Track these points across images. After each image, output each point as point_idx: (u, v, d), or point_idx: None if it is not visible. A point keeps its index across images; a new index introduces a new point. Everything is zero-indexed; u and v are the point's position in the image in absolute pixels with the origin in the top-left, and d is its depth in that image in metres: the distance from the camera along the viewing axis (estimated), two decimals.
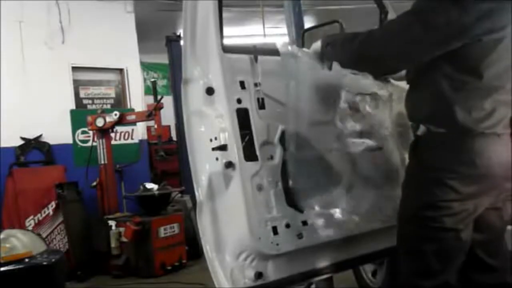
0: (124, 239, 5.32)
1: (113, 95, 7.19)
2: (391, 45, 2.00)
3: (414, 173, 2.09)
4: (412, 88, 2.13)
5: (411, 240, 2.05)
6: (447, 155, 1.96)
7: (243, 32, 8.63)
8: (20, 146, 6.01)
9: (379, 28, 2.15)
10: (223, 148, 2.23)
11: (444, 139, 1.98)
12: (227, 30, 2.38)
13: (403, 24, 1.99)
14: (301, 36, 3.17)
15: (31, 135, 6.08)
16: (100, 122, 5.65)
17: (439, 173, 1.95)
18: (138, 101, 7.18)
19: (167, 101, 6.31)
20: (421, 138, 2.07)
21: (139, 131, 6.94)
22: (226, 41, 2.37)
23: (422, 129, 2.06)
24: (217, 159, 2.26)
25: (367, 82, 2.68)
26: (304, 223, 2.41)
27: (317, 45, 2.36)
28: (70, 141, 6.35)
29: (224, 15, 2.37)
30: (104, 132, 5.77)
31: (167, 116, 6.68)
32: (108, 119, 5.65)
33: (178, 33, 7.47)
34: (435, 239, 1.97)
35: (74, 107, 6.56)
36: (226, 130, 2.24)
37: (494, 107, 1.94)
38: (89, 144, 6.10)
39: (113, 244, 5.35)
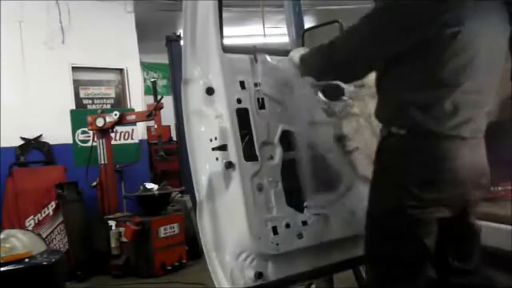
0: (124, 239, 5.31)
1: (113, 95, 7.19)
2: (353, 48, 1.99)
3: (377, 176, 2.03)
4: (378, 88, 2.10)
5: (376, 245, 2.02)
6: (407, 158, 1.91)
7: (243, 32, 8.62)
8: (20, 146, 6.01)
9: (339, 37, 2.17)
10: (223, 148, 2.23)
11: (405, 141, 1.92)
12: (227, 30, 2.39)
13: (363, 26, 1.98)
14: (301, 36, 3.16)
15: (31, 135, 6.08)
16: (100, 122, 5.65)
17: (400, 177, 1.90)
18: (138, 101, 7.18)
19: (167, 101, 6.30)
20: (384, 140, 2.02)
21: (139, 131, 6.94)
22: (226, 41, 2.37)
23: (384, 130, 2.01)
24: (217, 159, 2.26)
25: None
26: (304, 223, 2.41)
27: (296, 57, 2.37)
28: (70, 141, 6.34)
29: (224, 15, 2.37)
30: (104, 132, 5.77)
31: (167, 116, 6.68)
32: (108, 119, 5.65)
33: (178, 33, 7.47)
34: (396, 246, 1.93)
35: (74, 107, 6.56)
36: (226, 130, 2.24)
37: (456, 107, 1.86)
38: (89, 144, 6.10)
39: (113, 244, 5.34)
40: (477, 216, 2.14)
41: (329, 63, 2.11)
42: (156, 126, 5.49)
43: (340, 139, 2.61)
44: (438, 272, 2.10)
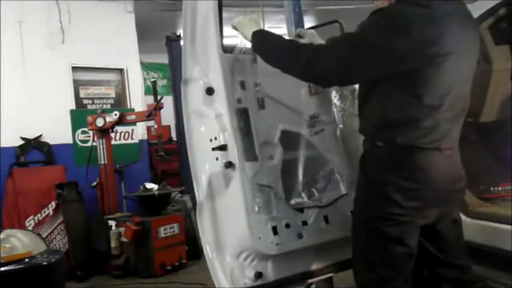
0: (124, 239, 5.31)
1: (113, 95, 7.18)
2: (335, 66, 2.00)
3: (362, 186, 2.13)
4: (361, 103, 2.18)
5: (362, 250, 2.10)
6: (389, 169, 2.00)
7: None
8: (20, 146, 6.00)
9: (325, 46, 2.14)
10: (223, 148, 2.23)
11: (387, 154, 2.02)
12: (227, 30, 2.38)
13: (347, 47, 2.01)
14: None
15: (31, 135, 6.07)
16: (100, 122, 5.65)
17: (383, 186, 1.99)
18: (138, 101, 7.17)
19: (167, 101, 6.30)
20: (367, 152, 2.12)
21: (139, 131, 6.94)
22: (226, 41, 2.37)
23: (368, 143, 2.11)
24: (217, 159, 2.26)
25: None
26: (304, 223, 2.41)
27: (243, 29, 2.29)
28: (70, 141, 6.34)
29: (224, 15, 2.37)
30: (104, 132, 5.77)
31: (167, 116, 6.68)
32: (108, 119, 5.65)
33: (178, 33, 7.46)
34: (382, 248, 2.01)
35: (74, 107, 6.55)
36: (226, 130, 2.24)
37: (436, 124, 1.98)
38: (89, 144, 6.10)
39: (113, 244, 5.34)
40: (476, 216, 2.18)
41: (310, 71, 2.07)
42: (156, 126, 5.49)
43: (312, 118, 2.61)
44: (427, 269, 2.18)
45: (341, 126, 2.67)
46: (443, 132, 2.01)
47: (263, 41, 2.24)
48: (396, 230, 1.98)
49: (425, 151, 1.98)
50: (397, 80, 1.96)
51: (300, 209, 2.42)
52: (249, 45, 2.29)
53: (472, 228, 2.29)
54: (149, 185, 5.70)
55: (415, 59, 1.91)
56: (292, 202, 2.43)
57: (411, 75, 1.93)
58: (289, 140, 2.50)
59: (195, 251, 5.48)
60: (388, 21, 1.93)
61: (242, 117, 2.31)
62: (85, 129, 6.11)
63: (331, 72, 2.03)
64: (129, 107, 7.02)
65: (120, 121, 5.71)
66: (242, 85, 2.37)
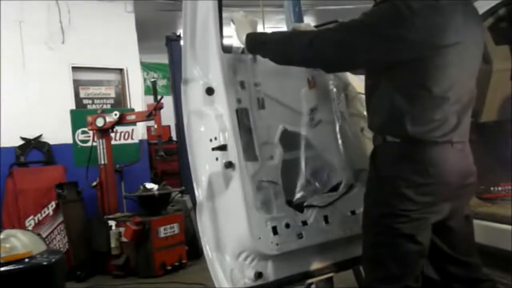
0: (124, 239, 5.32)
1: (113, 95, 7.19)
2: (337, 49, 2.01)
3: (373, 182, 2.11)
4: (369, 99, 2.16)
5: (372, 247, 2.08)
6: (401, 164, 1.98)
7: None
8: (20, 146, 6.01)
9: (327, 30, 2.12)
10: (223, 148, 2.23)
11: (399, 148, 2.00)
12: (227, 30, 2.38)
13: (350, 31, 2.00)
14: None
15: (31, 135, 6.08)
16: (100, 122, 5.65)
17: (395, 182, 1.97)
18: (138, 101, 7.17)
19: (167, 101, 6.31)
20: (378, 148, 2.10)
21: (139, 131, 6.94)
22: (226, 41, 2.37)
23: (379, 138, 2.09)
24: (217, 159, 2.26)
25: None
26: (304, 223, 2.41)
27: (239, 28, 2.32)
28: (70, 141, 6.35)
29: (224, 15, 2.37)
30: (104, 132, 5.77)
31: (167, 116, 6.68)
32: (108, 119, 5.65)
33: (178, 33, 7.47)
34: (393, 245, 1.99)
35: (74, 107, 6.56)
36: (226, 130, 2.24)
37: (446, 116, 1.97)
38: (89, 144, 6.11)
39: (113, 244, 5.35)
40: (476, 216, 2.17)
41: (314, 56, 2.08)
42: (156, 126, 5.50)
43: (312, 110, 2.60)
44: (436, 267, 2.15)
45: (339, 119, 2.67)
46: (453, 124, 1.99)
47: (259, 38, 2.26)
48: (408, 226, 1.95)
49: (437, 145, 1.96)
50: (404, 72, 1.95)
51: (300, 209, 2.42)
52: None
53: None
54: (149, 185, 5.70)
55: (420, 49, 1.90)
56: (291, 197, 2.42)
57: (418, 66, 1.92)
58: (289, 139, 2.50)
59: (195, 251, 5.48)
60: (393, 10, 1.91)
61: (242, 117, 2.30)
62: (85, 129, 6.12)
63: (332, 55, 2.03)
64: (129, 107, 7.03)
65: (120, 121, 5.72)
66: (242, 85, 2.37)
